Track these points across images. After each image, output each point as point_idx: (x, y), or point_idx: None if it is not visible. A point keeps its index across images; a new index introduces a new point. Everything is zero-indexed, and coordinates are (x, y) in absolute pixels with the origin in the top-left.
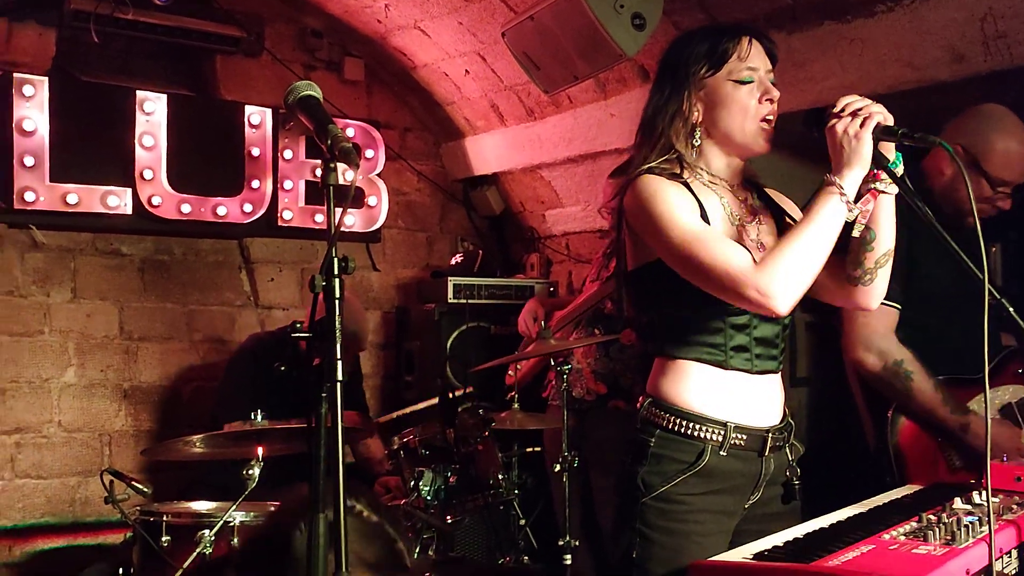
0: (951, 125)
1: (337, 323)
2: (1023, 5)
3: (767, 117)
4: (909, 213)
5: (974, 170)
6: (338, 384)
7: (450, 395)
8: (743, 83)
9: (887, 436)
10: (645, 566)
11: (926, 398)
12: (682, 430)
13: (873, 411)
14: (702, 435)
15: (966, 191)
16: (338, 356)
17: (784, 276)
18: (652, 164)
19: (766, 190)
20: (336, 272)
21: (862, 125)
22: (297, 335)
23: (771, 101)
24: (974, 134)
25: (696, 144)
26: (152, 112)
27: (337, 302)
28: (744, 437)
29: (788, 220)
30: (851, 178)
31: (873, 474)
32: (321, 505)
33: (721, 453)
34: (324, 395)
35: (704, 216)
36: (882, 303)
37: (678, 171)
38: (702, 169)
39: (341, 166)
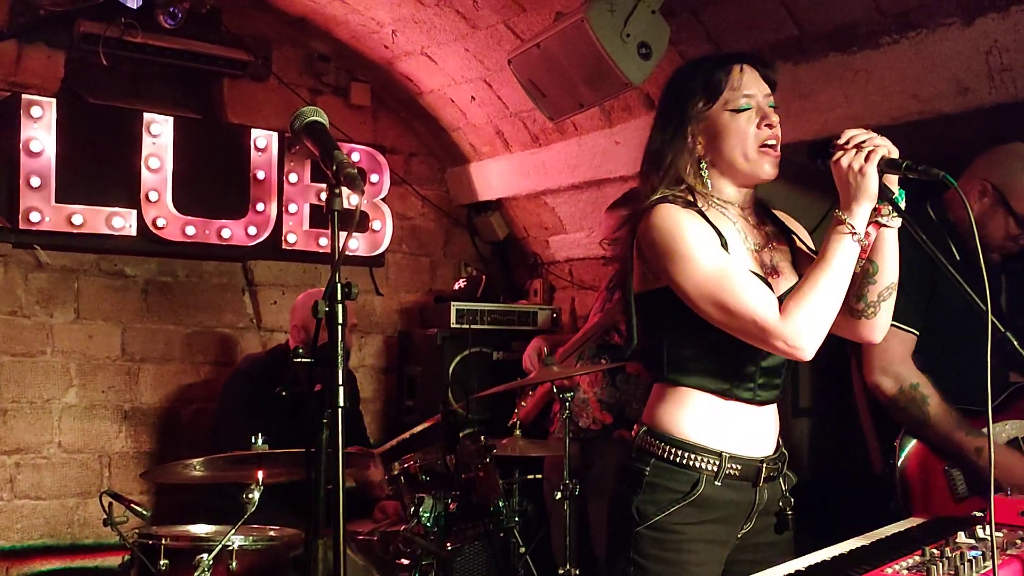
0: (980, 159)
1: (340, 349)
2: None
3: (768, 142)
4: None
5: (1002, 207)
6: (339, 410)
7: (452, 421)
8: (740, 111)
9: (896, 461)
10: None
11: (941, 421)
12: (678, 459)
13: (881, 436)
14: (698, 464)
15: (993, 226)
16: (340, 382)
17: (809, 326)
18: (666, 193)
19: (775, 212)
20: (339, 298)
21: (867, 159)
22: (299, 360)
23: (770, 126)
24: (1003, 171)
25: (704, 176)
26: (159, 134)
27: (340, 328)
28: (739, 467)
29: (800, 245)
30: (860, 214)
31: (876, 501)
32: (320, 531)
33: (716, 483)
34: (325, 421)
35: (724, 243)
36: (900, 328)
37: (691, 199)
38: (715, 198)
39: (346, 191)
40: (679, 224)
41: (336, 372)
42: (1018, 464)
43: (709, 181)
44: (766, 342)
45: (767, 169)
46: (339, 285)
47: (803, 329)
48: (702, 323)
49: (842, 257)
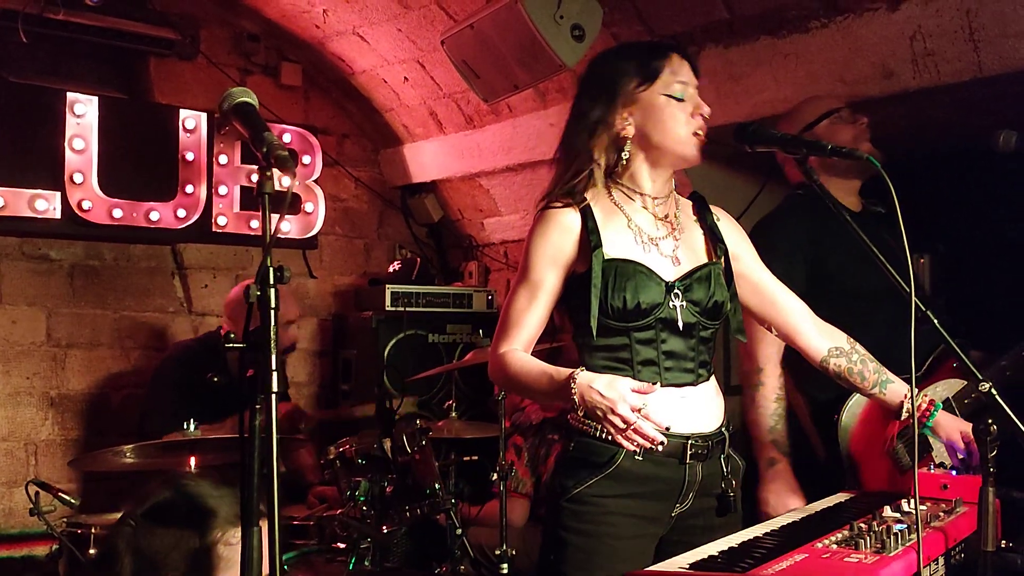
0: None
1: (272, 334)
2: (951, 24)
3: (697, 131)
4: (816, 212)
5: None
6: (273, 396)
7: (388, 404)
8: (677, 99)
9: (837, 444)
10: (560, 567)
11: (757, 415)
12: (599, 434)
13: (817, 421)
14: None
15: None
16: (274, 368)
17: (499, 380)
18: (557, 191)
19: (712, 208)
20: (272, 282)
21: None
22: (231, 346)
23: (703, 116)
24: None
25: (625, 159)
26: (83, 114)
27: (273, 312)
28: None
29: (721, 245)
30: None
31: (821, 483)
32: (255, 517)
33: (637, 457)
34: (258, 407)
35: (597, 243)
36: None
37: (585, 193)
38: (623, 185)
39: (277, 173)
40: (538, 234)
41: (269, 357)
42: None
43: (628, 163)
44: (491, 345)
45: (694, 153)
46: (271, 269)
47: (495, 377)
48: (586, 315)
49: (550, 391)
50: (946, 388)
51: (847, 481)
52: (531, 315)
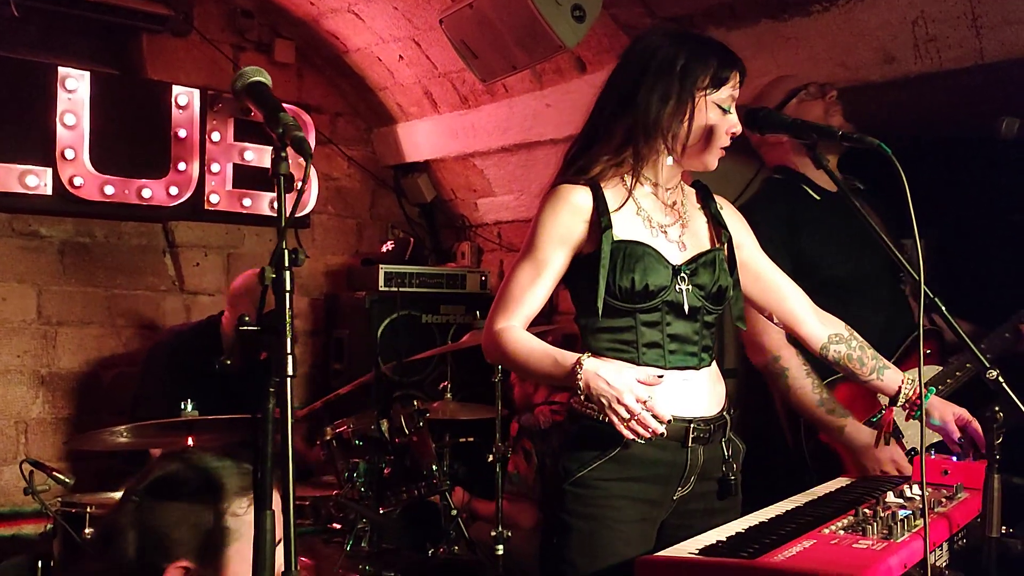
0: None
1: (288, 317)
2: (954, 9)
3: (725, 147)
4: (794, 197)
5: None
6: (288, 380)
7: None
8: (726, 112)
9: (801, 433)
10: (562, 551)
11: (800, 397)
12: (601, 418)
13: (788, 411)
14: None
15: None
16: (289, 351)
17: (495, 357)
18: (573, 168)
19: (716, 197)
20: (287, 264)
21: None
22: (245, 328)
23: (733, 135)
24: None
25: (651, 148)
26: (75, 90)
27: (288, 295)
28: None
29: (724, 233)
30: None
31: (794, 470)
32: (269, 499)
33: (639, 441)
34: (272, 390)
35: (608, 224)
36: None
37: (600, 174)
38: (637, 171)
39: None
40: (552, 211)
41: (284, 340)
42: (867, 441)
43: (651, 151)
44: (487, 319)
45: (713, 164)
46: (286, 251)
47: (490, 352)
48: (592, 296)
49: (553, 373)
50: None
51: (810, 466)
52: (534, 293)
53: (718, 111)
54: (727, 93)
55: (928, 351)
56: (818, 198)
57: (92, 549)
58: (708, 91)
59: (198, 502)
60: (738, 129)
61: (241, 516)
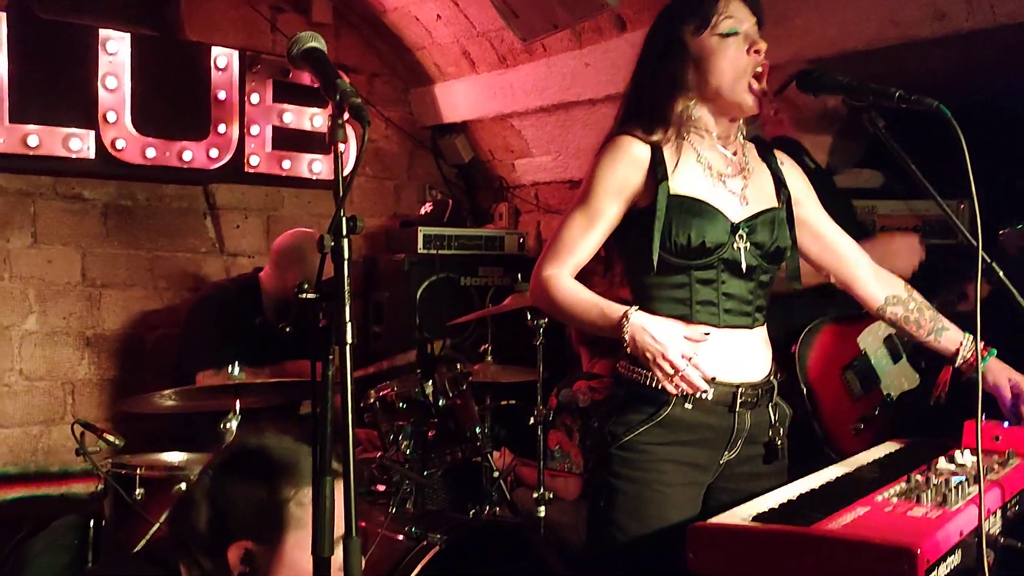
0: None
1: (346, 285)
2: None
3: (756, 72)
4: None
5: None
6: (347, 347)
7: (428, 348)
8: (727, 35)
9: (797, 377)
10: (609, 514)
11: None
12: (649, 382)
13: (776, 358)
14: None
15: None
16: (348, 319)
17: (544, 304)
18: (630, 123)
19: (776, 153)
20: (344, 232)
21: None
22: (304, 295)
23: (758, 52)
24: None
25: (690, 107)
26: (115, 52)
27: (347, 263)
28: (710, 391)
29: (784, 189)
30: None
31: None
32: (328, 467)
33: (686, 405)
34: (331, 358)
35: (663, 175)
36: None
37: (660, 132)
38: (692, 126)
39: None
40: (610, 162)
41: (344, 308)
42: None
43: (693, 112)
44: (536, 265)
45: (750, 103)
46: (344, 219)
47: (537, 298)
48: (647, 251)
49: (600, 324)
50: (885, 328)
51: (807, 413)
52: (585, 242)
53: (719, 39)
54: (720, 19)
55: None
56: (813, 167)
57: (170, 516)
58: (698, 32)
59: (268, 484)
60: (759, 46)
61: (306, 505)
